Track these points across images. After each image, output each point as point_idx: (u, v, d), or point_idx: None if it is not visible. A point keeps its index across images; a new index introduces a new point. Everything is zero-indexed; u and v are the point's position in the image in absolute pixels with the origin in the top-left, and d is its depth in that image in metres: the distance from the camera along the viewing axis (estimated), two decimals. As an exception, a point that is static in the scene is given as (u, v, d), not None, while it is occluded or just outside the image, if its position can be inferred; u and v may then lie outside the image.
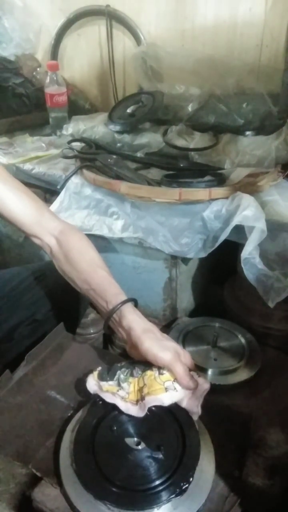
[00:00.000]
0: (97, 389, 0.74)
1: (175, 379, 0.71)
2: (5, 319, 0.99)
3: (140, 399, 0.71)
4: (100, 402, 0.74)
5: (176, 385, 0.71)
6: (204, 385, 0.73)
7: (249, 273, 0.93)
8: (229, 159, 1.17)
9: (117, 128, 1.36)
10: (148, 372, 0.73)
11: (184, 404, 0.72)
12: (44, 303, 1.01)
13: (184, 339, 1.06)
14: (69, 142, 1.26)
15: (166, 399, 0.70)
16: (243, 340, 1.05)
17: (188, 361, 0.74)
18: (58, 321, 0.94)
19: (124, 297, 0.79)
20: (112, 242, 1.13)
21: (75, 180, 1.13)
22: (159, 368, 0.73)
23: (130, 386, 0.74)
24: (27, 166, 1.25)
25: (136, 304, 0.80)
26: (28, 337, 1.00)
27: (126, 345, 0.78)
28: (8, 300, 1.01)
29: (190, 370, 0.73)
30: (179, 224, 1.01)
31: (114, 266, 1.19)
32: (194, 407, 0.72)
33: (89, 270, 0.82)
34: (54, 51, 1.78)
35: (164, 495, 0.63)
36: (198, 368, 0.97)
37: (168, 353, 0.71)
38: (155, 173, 1.17)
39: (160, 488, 0.64)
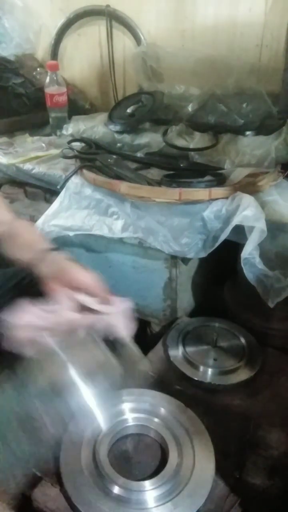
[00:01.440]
0: None
1: None
2: None
3: None
4: None
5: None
6: (124, 304, 0.73)
7: (249, 273, 0.93)
8: (229, 159, 1.17)
9: (117, 128, 1.36)
10: None
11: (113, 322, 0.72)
12: None
13: (184, 339, 1.06)
14: (69, 142, 1.26)
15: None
16: (243, 340, 1.05)
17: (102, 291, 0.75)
18: None
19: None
20: (112, 242, 1.13)
21: (75, 180, 1.13)
22: None
23: None
24: (27, 166, 1.25)
25: None
26: None
27: (49, 279, 0.77)
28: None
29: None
30: (179, 224, 1.01)
31: (114, 266, 1.19)
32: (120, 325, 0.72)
33: (26, 233, 0.86)
34: (54, 51, 1.78)
35: None
36: (198, 369, 0.97)
37: (92, 278, 0.73)
38: (155, 173, 1.17)
39: None
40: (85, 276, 0.73)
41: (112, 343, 0.73)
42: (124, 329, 0.72)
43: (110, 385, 0.73)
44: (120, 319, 0.72)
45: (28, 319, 0.66)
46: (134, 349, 0.73)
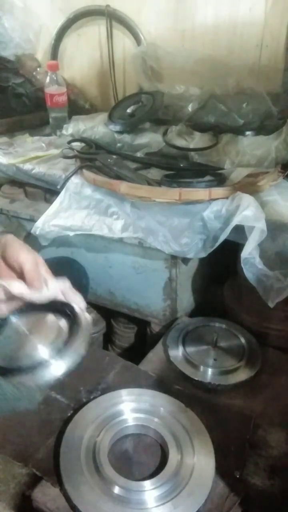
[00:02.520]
0: None
1: None
2: None
3: None
4: None
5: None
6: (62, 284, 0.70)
7: (249, 273, 0.93)
8: (229, 159, 1.17)
9: (117, 128, 1.36)
10: None
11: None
12: None
13: (184, 339, 1.06)
14: (69, 142, 1.26)
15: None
16: (243, 340, 1.05)
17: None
18: None
19: None
20: (112, 242, 1.13)
21: (75, 180, 1.13)
22: None
23: None
24: (27, 166, 1.25)
25: None
26: None
27: None
28: None
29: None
30: (179, 224, 1.01)
31: (114, 266, 1.19)
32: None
33: None
34: (54, 51, 1.78)
35: None
36: (198, 369, 0.97)
37: (32, 256, 0.68)
38: (155, 173, 1.17)
39: None
40: (24, 257, 0.68)
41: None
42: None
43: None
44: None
45: None
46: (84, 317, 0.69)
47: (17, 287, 0.66)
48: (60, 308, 0.71)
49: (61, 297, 0.69)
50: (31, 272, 0.67)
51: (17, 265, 0.68)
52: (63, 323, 0.69)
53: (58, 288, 0.70)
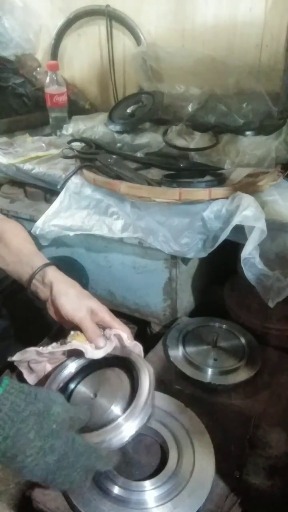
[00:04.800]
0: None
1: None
2: None
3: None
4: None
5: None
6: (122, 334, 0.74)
7: (249, 273, 0.93)
8: (229, 159, 1.17)
9: (117, 128, 1.36)
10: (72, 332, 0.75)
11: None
12: None
13: (184, 339, 1.06)
14: (69, 142, 1.26)
15: (89, 349, 0.71)
16: (243, 340, 1.05)
17: (105, 316, 0.76)
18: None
19: (47, 261, 0.81)
20: (112, 242, 1.13)
21: (75, 180, 1.13)
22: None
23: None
24: (27, 166, 1.25)
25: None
26: None
27: (47, 303, 0.79)
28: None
29: (105, 327, 0.75)
30: (179, 224, 1.01)
31: (114, 266, 1.19)
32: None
33: (20, 244, 0.85)
34: (54, 51, 1.78)
35: None
36: (198, 368, 0.97)
37: (79, 312, 0.73)
38: (155, 173, 1.17)
39: None
40: (73, 316, 0.74)
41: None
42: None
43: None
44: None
45: None
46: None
47: (90, 353, 0.71)
48: (116, 360, 0.75)
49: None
50: (92, 332, 0.72)
51: (70, 318, 0.73)
52: (124, 377, 0.73)
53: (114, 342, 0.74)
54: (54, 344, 0.73)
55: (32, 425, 0.53)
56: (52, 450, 0.54)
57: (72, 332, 0.74)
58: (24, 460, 0.52)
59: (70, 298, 0.74)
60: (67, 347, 0.71)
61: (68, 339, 0.73)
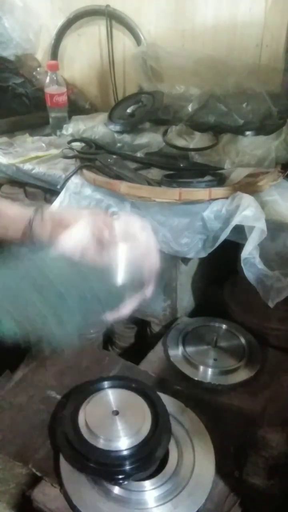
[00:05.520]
0: None
1: None
2: None
3: None
4: None
5: None
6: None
7: (249, 273, 0.93)
8: (229, 159, 1.17)
9: (117, 128, 1.36)
10: None
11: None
12: None
13: (184, 339, 1.06)
14: (69, 142, 1.26)
15: None
16: (243, 340, 1.05)
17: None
18: None
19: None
20: (112, 242, 1.13)
21: (75, 180, 1.13)
22: None
23: None
24: (27, 166, 1.25)
25: None
26: None
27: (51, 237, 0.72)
28: None
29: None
30: (179, 224, 1.01)
31: (114, 266, 1.19)
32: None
33: (12, 207, 0.80)
34: (54, 51, 1.78)
35: None
36: (198, 369, 0.97)
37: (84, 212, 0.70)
38: (155, 173, 1.17)
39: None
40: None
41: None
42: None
43: None
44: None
45: None
46: None
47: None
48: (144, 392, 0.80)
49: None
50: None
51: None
52: (147, 411, 0.78)
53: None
54: None
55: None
56: None
57: None
58: None
59: (72, 211, 0.73)
60: None
61: None
